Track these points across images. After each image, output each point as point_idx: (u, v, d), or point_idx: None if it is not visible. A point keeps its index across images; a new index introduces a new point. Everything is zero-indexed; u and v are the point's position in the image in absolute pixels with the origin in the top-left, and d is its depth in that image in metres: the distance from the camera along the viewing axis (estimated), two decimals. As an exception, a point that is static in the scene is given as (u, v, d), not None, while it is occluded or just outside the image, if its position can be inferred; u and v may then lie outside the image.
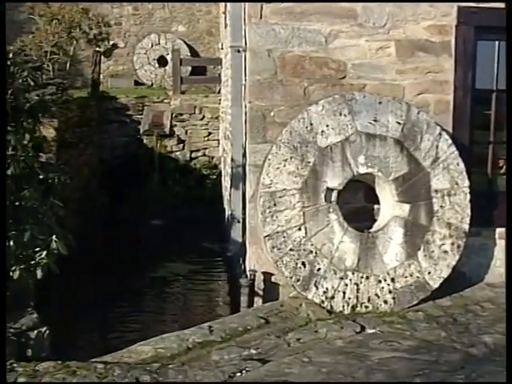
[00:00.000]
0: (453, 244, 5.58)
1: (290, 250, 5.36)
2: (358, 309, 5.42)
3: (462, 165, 5.64)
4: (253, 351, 4.72)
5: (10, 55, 4.64)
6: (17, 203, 4.44)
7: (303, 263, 5.36)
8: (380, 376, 4.18)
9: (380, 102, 5.58)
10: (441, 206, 5.58)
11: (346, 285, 5.41)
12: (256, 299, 5.83)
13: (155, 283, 9.05)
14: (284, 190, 5.39)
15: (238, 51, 6.17)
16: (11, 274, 4.21)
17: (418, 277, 5.52)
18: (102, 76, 15.29)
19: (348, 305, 5.42)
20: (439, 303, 5.55)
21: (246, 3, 5.84)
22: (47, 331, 4.71)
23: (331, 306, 5.40)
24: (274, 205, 5.38)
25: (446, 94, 6.02)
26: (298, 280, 5.37)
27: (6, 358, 4.03)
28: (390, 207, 5.65)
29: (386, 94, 5.74)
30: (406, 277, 5.50)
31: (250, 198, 5.87)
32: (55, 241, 4.32)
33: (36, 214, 4.46)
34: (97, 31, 14.58)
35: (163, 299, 8.55)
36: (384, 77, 5.92)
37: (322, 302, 5.38)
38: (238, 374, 4.28)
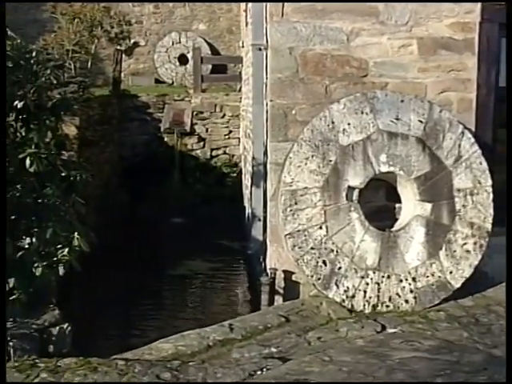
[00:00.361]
0: (475, 243, 5.53)
1: (311, 248, 5.35)
2: (379, 308, 5.40)
3: (484, 164, 5.59)
4: (273, 349, 4.72)
5: (34, 54, 4.67)
6: (39, 200, 4.47)
7: (324, 262, 5.35)
8: (401, 376, 4.15)
9: (402, 101, 5.55)
10: (463, 206, 5.54)
11: (367, 284, 5.39)
12: (276, 297, 5.83)
13: (175, 281, 9.08)
14: (305, 188, 5.38)
15: (260, 49, 6.17)
16: (33, 270, 4.24)
17: (439, 276, 5.48)
18: (123, 74, 15.37)
19: (369, 304, 5.40)
20: (461, 303, 5.50)
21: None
22: (69, 327, 4.75)
23: (352, 305, 5.38)
24: (295, 203, 5.37)
25: (468, 92, 5.98)
26: (319, 279, 5.36)
27: (5, 357, 4.01)
28: (412, 206, 5.62)
29: (408, 93, 5.70)
30: (427, 276, 5.47)
31: (271, 196, 5.87)
32: (77, 238, 4.34)
33: (58, 212, 4.49)
34: (118, 30, 14.66)
35: (183, 297, 8.58)
36: (406, 75, 5.89)
37: (343, 300, 5.37)
38: (259, 372, 4.28)
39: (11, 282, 4.12)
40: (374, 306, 5.44)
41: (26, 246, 4.26)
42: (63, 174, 4.79)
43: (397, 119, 5.53)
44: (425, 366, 4.38)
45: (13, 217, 4.24)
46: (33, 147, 4.43)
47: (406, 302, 5.45)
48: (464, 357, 4.56)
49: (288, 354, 4.68)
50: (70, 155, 5.95)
